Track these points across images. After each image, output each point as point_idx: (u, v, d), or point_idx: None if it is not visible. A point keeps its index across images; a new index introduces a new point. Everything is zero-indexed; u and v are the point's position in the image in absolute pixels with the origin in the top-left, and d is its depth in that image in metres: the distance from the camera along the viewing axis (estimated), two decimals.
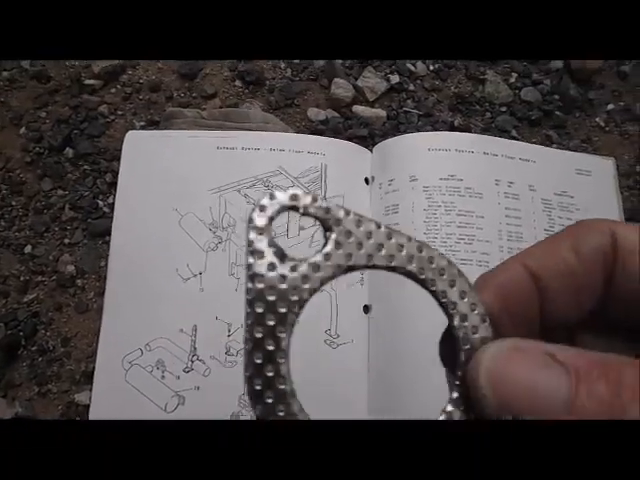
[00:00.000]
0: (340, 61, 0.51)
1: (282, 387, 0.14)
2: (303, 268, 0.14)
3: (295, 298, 0.14)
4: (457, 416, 0.14)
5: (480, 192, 0.39)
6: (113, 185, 0.44)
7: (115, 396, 0.37)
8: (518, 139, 0.46)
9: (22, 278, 0.42)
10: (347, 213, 0.15)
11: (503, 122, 0.48)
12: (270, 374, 0.14)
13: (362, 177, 0.43)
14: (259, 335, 0.14)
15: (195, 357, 0.38)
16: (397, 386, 0.36)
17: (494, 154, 0.40)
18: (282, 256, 0.14)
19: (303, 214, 0.14)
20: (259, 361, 0.14)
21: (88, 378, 0.39)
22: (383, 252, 0.15)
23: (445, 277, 0.15)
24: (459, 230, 0.38)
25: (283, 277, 0.14)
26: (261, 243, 0.14)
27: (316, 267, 0.14)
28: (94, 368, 0.38)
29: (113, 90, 0.49)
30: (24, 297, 0.42)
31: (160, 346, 0.38)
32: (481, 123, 0.48)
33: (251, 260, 0.14)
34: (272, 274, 0.14)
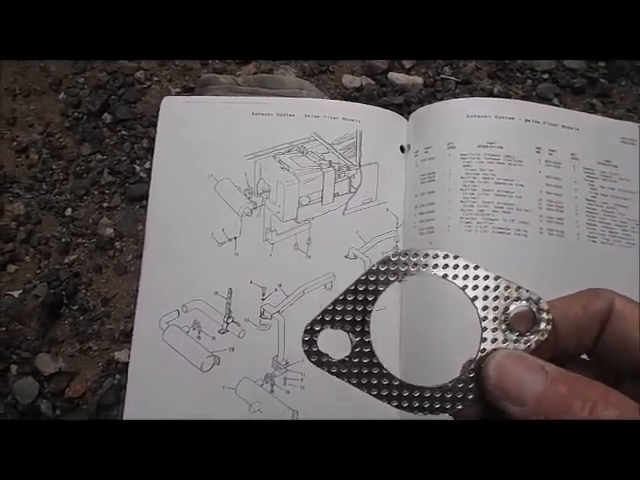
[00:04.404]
0: None
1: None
2: None
3: None
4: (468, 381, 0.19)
5: (520, 160, 0.38)
6: (150, 150, 0.45)
7: (153, 355, 0.38)
8: (560, 107, 0.44)
9: (63, 240, 0.43)
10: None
11: (545, 90, 0.47)
12: None
13: (397, 145, 0.42)
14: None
15: (230, 319, 0.39)
16: (427, 353, 0.36)
17: (536, 121, 0.39)
18: None
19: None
20: None
21: (127, 337, 0.40)
22: None
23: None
24: (497, 198, 0.37)
25: None
26: None
27: None
28: (132, 328, 0.39)
29: None
30: (65, 258, 0.43)
31: (196, 308, 0.39)
32: (521, 91, 0.47)
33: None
34: None
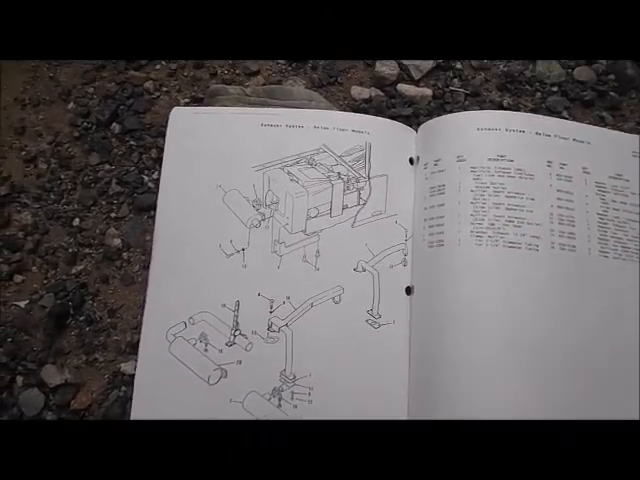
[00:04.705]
0: None
1: None
2: None
3: None
4: None
5: (531, 174, 0.38)
6: (158, 161, 0.44)
7: (159, 367, 0.38)
8: (570, 120, 0.44)
9: (70, 250, 0.43)
10: None
11: (554, 103, 0.46)
12: None
13: (407, 157, 0.42)
14: None
15: (237, 332, 0.38)
16: (437, 368, 0.36)
17: (547, 134, 0.39)
18: None
19: None
20: None
21: (133, 349, 0.40)
22: None
23: None
24: (508, 212, 0.37)
25: None
26: None
27: None
28: (139, 339, 0.39)
29: (158, 66, 0.49)
30: (72, 268, 0.43)
31: (203, 320, 0.39)
32: (531, 103, 0.47)
33: None
34: None
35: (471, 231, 0.37)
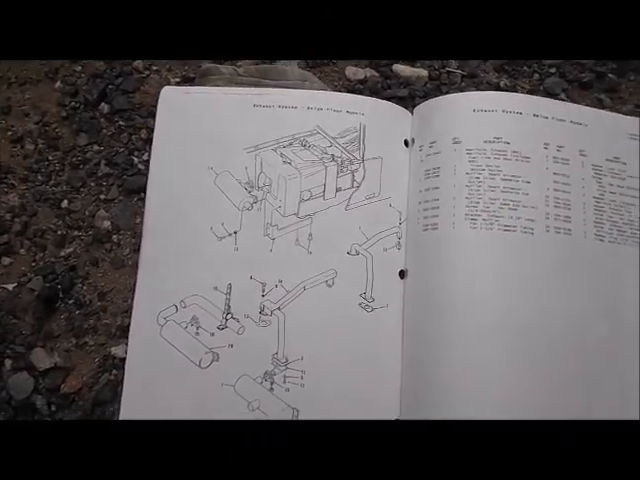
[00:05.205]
0: None
1: None
2: None
3: None
4: None
5: (527, 156, 0.37)
6: (148, 142, 0.44)
7: (150, 351, 0.37)
8: (568, 102, 0.43)
9: (59, 232, 0.42)
10: None
11: (552, 84, 0.46)
12: None
13: (402, 139, 0.41)
14: None
15: (229, 315, 0.38)
16: (431, 352, 0.36)
17: (544, 116, 0.38)
18: None
19: None
20: None
21: (124, 332, 0.39)
22: None
23: None
24: (503, 195, 0.37)
25: None
26: None
27: None
28: (130, 323, 0.38)
29: None
30: (61, 251, 0.42)
31: (195, 303, 0.38)
32: (528, 85, 0.46)
33: None
34: None
35: (466, 214, 0.36)
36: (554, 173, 0.37)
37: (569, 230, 0.37)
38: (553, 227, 0.36)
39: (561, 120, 0.39)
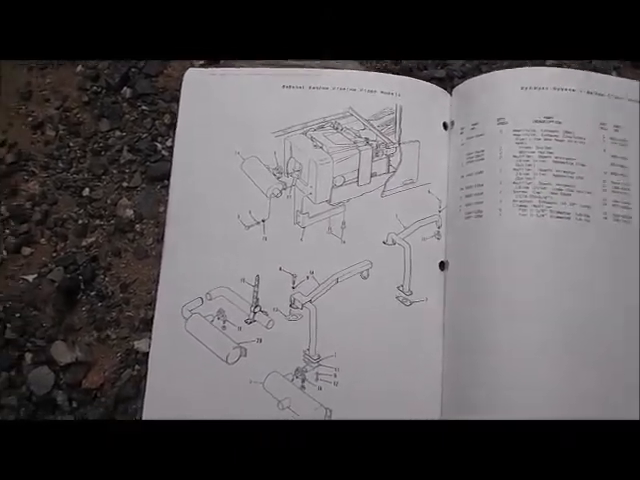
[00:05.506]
0: None
1: None
2: None
3: None
4: None
5: (582, 137, 0.34)
6: (172, 127, 0.42)
7: (175, 345, 0.36)
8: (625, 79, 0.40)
9: (80, 221, 0.41)
10: None
11: (602, 62, 0.42)
12: None
13: (440, 121, 0.39)
14: None
15: (257, 308, 0.36)
16: (472, 347, 0.33)
17: (599, 93, 0.35)
18: None
19: None
20: None
21: (147, 326, 0.37)
22: None
23: None
24: (556, 179, 0.34)
25: None
26: None
27: None
28: (153, 316, 0.37)
29: None
30: (82, 241, 0.40)
31: (221, 295, 0.36)
32: (577, 63, 0.43)
33: None
34: None
35: (514, 200, 0.34)
36: (612, 155, 0.34)
37: (629, 217, 0.34)
38: (611, 214, 0.33)
39: (618, 98, 0.35)
